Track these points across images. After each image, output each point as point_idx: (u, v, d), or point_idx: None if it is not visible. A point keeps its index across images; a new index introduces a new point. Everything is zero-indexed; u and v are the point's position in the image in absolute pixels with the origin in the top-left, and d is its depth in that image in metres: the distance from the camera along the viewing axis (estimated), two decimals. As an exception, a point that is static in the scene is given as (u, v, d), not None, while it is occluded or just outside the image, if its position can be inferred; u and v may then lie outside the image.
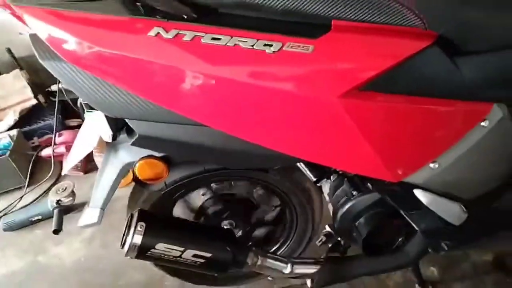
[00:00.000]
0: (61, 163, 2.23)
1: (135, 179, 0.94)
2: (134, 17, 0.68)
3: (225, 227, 1.17)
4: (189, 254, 0.92)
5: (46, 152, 2.20)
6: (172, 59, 0.67)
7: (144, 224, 0.90)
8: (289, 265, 1.03)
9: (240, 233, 1.19)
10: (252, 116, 0.72)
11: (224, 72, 0.67)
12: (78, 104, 0.91)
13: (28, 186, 2.21)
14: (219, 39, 0.66)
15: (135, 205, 1.06)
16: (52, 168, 2.16)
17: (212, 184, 1.15)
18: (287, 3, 0.67)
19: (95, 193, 0.93)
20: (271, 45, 0.65)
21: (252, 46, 0.65)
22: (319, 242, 1.16)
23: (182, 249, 0.91)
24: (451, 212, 0.87)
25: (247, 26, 0.67)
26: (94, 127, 0.88)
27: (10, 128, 2.33)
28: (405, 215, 0.91)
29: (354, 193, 0.97)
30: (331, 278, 1.06)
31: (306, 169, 0.95)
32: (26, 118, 2.44)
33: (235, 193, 1.18)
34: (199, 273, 1.16)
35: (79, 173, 2.18)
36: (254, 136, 0.75)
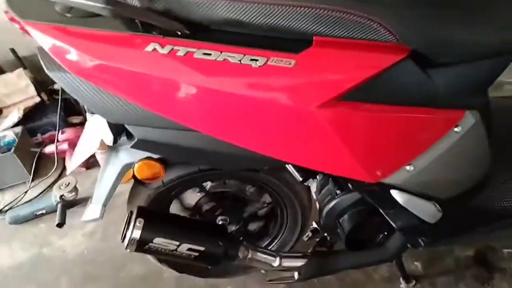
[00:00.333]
0: (63, 159, 2.29)
1: (134, 178, 1.01)
2: (132, 33, 0.73)
3: (219, 222, 1.23)
4: (184, 247, 0.98)
5: (50, 148, 2.24)
6: (167, 72, 0.72)
7: (142, 220, 0.96)
8: (277, 258, 1.10)
9: (233, 228, 1.25)
10: (239, 123, 0.78)
11: (214, 84, 0.73)
12: (80, 104, 0.97)
13: (32, 181, 2.26)
14: (209, 54, 0.71)
15: (134, 202, 1.12)
16: (55, 164, 2.24)
17: (207, 183, 1.22)
18: (272, 20, 0.72)
19: (98, 190, 0.99)
20: (256, 60, 0.71)
21: (240, 60, 0.71)
22: (306, 237, 1.23)
23: (177, 243, 0.98)
24: (426, 211, 0.94)
25: (235, 42, 0.72)
26: (96, 131, 0.94)
27: (15, 125, 2.39)
28: (383, 213, 0.98)
29: (338, 192, 1.03)
30: (316, 271, 1.13)
31: (293, 170, 1.00)
32: (30, 115, 2.49)
33: (229, 191, 1.24)
34: (196, 266, 1.23)
35: (81, 169, 2.22)
36: (241, 141, 0.81)
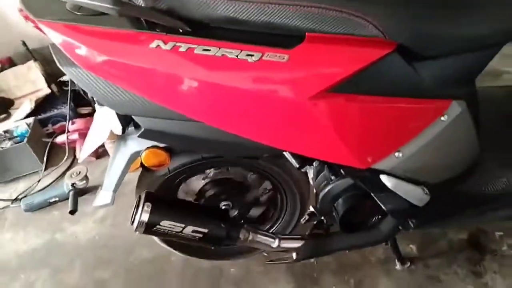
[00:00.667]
0: (74, 149, 2.37)
1: (142, 165, 1.07)
2: (138, 30, 0.79)
3: (223, 208, 1.30)
4: (189, 229, 1.05)
5: (61, 138, 2.32)
6: (170, 67, 0.78)
7: (150, 204, 1.03)
8: (276, 240, 1.16)
9: (236, 213, 1.31)
10: (238, 114, 0.84)
11: (213, 78, 0.78)
12: (90, 96, 1.02)
13: (45, 170, 2.35)
14: (209, 50, 0.77)
15: (142, 188, 1.18)
16: (66, 154, 2.32)
17: (210, 170, 1.28)
18: (267, 18, 0.77)
19: (108, 178, 1.05)
20: (252, 55, 0.77)
21: (237, 56, 0.77)
22: (304, 220, 1.29)
23: (183, 225, 1.04)
24: (414, 194, 0.99)
25: (233, 38, 0.78)
26: (106, 122, 1.01)
27: (27, 116, 2.47)
28: (375, 197, 1.04)
29: (333, 178, 1.09)
30: (313, 252, 1.20)
31: (290, 157, 1.06)
32: (41, 106, 2.58)
33: (231, 178, 1.30)
34: (201, 248, 1.30)
35: (92, 158, 2.30)
36: (240, 130, 0.87)
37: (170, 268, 1.62)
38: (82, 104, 2.56)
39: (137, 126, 0.96)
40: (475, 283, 1.35)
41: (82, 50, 0.80)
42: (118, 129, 0.96)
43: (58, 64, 0.87)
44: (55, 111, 2.55)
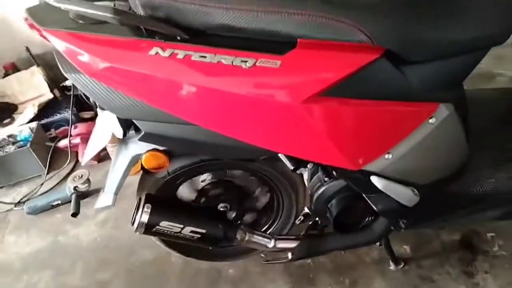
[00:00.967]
0: (76, 152, 2.41)
1: (142, 168, 1.11)
2: (138, 38, 0.82)
3: (221, 209, 1.33)
4: (187, 230, 1.09)
5: (63, 143, 2.36)
6: (169, 73, 0.82)
7: (150, 206, 1.06)
8: (272, 240, 1.20)
9: (234, 214, 1.35)
10: (233, 117, 0.87)
11: (209, 83, 0.82)
12: (92, 101, 1.04)
13: (47, 174, 2.39)
14: (205, 56, 0.80)
15: (143, 190, 1.21)
16: (69, 158, 2.37)
17: (209, 172, 1.32)
18: (260, 26, 0.81)
19: (109, 180, 1.09)
20: (246, 61, 0.80)
21: (232, 62, 0.80)
22: (298, 221, 1.33)
23: (181, 226, 1.08)
24: (404, 195, 1.03)
25: (228, 45, 0.81)
26: (107, 125, 1.05)
27: (30, 121, 2.50)
28: (366, 198, 1.07)
29: (326, 179, 1.12)
30: (308, 252, 1.23)
31: (285, 159, 1.10)
32: (44, 111, 2.61)
33: (229, 180, 1.34)
34: (200, 250, 1.33)
35: (94, 162, 2.33)
36: (236, 134, 0.90)
37: (170, 269, 1.65)
38: (84, 108, 2.60)
39: (137, 130, 1.00)
40: (466, 283, 1.38)
41: (85, 57, 0.83)
42: (119, 132, 1.00)
43: (62, 71, 0.90)
44: (57, 116, 2.59)
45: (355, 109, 0.89)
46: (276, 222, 1.46)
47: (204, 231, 1.10)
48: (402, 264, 1.46)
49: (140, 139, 0.97)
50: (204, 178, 1.33)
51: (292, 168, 1.09)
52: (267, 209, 1.46)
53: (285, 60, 0.81)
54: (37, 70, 2.66)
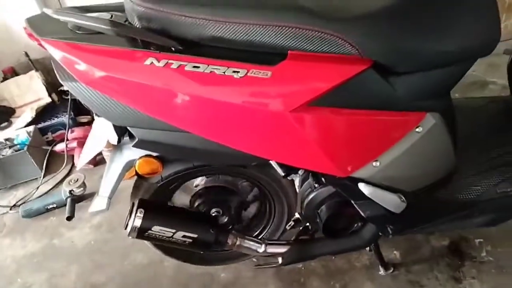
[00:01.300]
0: (73, 156, 2.42)
1: (136, 173, 1.13)
2: (133, 49, 0.85)
3: (213, 214, 1.35)
4: (179, 235, 1.11)
5: (60, 146, 2.38)
6: (163, 82, 0.85)
7: (143, 210, 1.08)
8: (263, 245, 1.22)
9: (226, 219, 1.37)
10: (225, 125, 0.90)
11: (202, 92, 0.85)
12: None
13: (43, 177, 2.40)
14: (198, 67, 0.83)
15: (137, 195, 1.24)
16: (65, 161, 2.39)
17: (202, 178, 1.35)
18: (252, 37, 0.84)
19: (103, 184, 1.11)
20: (238, 72, 0.83)
21: (224, 72, 0.83)
22: (289, 226, 1.36)
23: (173, 230, 1.10)
24: (391, 202, 1.05)
25: (220, 56, 0.85)
26: (103, 131, 1.08)
27: (27, 125, 2.52)
28: (354, 204, 1.10)
29: (316, 185, 1.15)
30: (298, 257, 1.26)
31: (276, 165, 1.12)
32: (41, 115, 2.63)
33: (222, 185, 1.36)
34: (193, 254, 1.35)
35: (89, 166, 2.35)
36: (228, 141, 0.93)
37: (164, 273, 1.67)
38: (81, 113, 2.62)
39: (131, 137, 1.03)
40: (454, 288, 1.41)
41: (82, 66, 0.86)
42: (114, 139, 1.03)
43: (59, 79, 0.93)
44: (55, 120, 2.61)
45: (344, 118, 0.92)
46: (268, 227, 1.48)
47: (195, 235, 1.12)
48: (392, 269, 1.48)
49: (134, 146, 1.00)
50: (198, 183, 1.36)
51: (283, 174, 1.12)
52: (259, 214, 1.49)
53: (275, 71, 0.84)
54: (35, 75, 2.68)
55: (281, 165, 1.12)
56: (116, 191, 1.12)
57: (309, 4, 0.84)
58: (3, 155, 2.34)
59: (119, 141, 1.04)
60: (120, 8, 0.98)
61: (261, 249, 1.22)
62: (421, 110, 0.98)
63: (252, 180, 1.30)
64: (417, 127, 0.98)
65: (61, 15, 0.86)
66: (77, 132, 2.35)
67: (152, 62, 0.84)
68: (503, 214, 1.24)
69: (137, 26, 0.87)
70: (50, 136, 2.62)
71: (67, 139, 2.29)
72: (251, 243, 1.22)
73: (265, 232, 1.49)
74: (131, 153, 1.08)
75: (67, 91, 2.35)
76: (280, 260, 1.26)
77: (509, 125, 1.36)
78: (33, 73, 2.68)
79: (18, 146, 2.37)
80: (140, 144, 1.00)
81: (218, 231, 1.16)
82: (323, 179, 1.10)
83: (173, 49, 0.85)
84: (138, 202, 1.11)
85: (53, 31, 0.91)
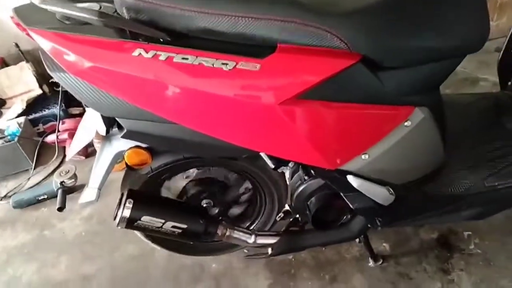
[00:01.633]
0: (64, 148, 2.42)
1: (126, 164, 1.13)
2: (122, 39, 0.85)
3: (204, 205, 1.36)
4: (168, 225, 1.11)
5: (51, 138, 2.37)
6: (151, 73, 0.84)
7: (132, 201, 1.08)
8: (253, 236, 1.23)
9: (216, 210, 1.38)
10: (214, 117, 0.90)
11: (191, 84, 0.85)
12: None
13: (34, 168, 2.40)
14: (187, 58, 0.83)
15: (127, 186, 1.23)
16: (56, 153, 2.38)
17: (193, 169, 1.35)
18: (241, 30, 0.83)
19: (93, 176, 1.10)
20: (227, 64, 0.83)
21: (213, 64, 0.83)
22: (279, 218, 1.36)
23: (163, 221, 1.10)
24: (379, 194, 1.06)
25: (209, 48, 0.84)
26: (92, 122, 1.07)
27: (18, 116, 2.51)
28: (343, 196, 1.11)
29: (306, 178, 1.16)
30: (287, 248, 1.27)
31: (266, 157, 1.12)
32: (32, 106, 2.62)
33: (213, 177, 1.36)
34: (184, 245, 1.36)
35: (81, 157, 2.35)
36: (217, 133, 0.93)
37: (154, 264, 1.67)
38: (73, 104, 2.61)
39: (120, 127, 1.03)
40: (442, 280, 1.42)
41: (70, 57, 0.86)
42: (102, 130, 1.03)
43: (47, 69, 0.92)
44: (46, 111, 2.60)
45: (333, 111, 0.92)
46: (258, 219, 1.49)
47: (185, 226, 1.12)
48: (381, 261, 1.50)
49: (122, 137, 0.99)
50: (188, 175, 1.36)
51: (273, 166, 1.12)
52: (249, 206, 1.49)
53: (264, 64, 0.84)
54: (26, 66, 2.66)
55: (271, 158, 1.12)
56: (105, 182, 1.12)
57: None
58: (-7, 146, 2.32)
59: (107, 131, 1.04)
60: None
61: (251, 240, 1.23)
62: (410, 104, 0.98)
63: (242, 172, 1.30)
64: (405, 121, 0.98)
65: (49, 5, 0.85)
66: (68, 123, 2.34)
67: (140, 53, 0.84)
68: (490, 208, 1.26)
69: (126, 17, 0.86)
70: (41, 127, 2.61)
71: (58, 131, 2.28)
72: (241, 234, 1.23)
73: (256, 223, 1.50)
74: (120, 144, 1.08)
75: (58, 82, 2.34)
76: (269, 251, 1.27)
77: (498, 121, 1.37)
78: (23, 64, 2.66)
79: (9, 137, 2.36)
80: (128, 135, 0.99)
81: (207, 222, 1.17)
82: (312, 171, 1.10)
83: (161, 40, 0.84)
84: (127, 193, 1.10)
85: (41, 21, 0.90)
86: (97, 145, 2.10)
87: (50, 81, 2.70)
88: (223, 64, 0.84)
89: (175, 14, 0.84)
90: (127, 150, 1.07)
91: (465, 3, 0.91)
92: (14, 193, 2.24)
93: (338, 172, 1.02)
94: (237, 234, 1.22)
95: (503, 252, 1.48)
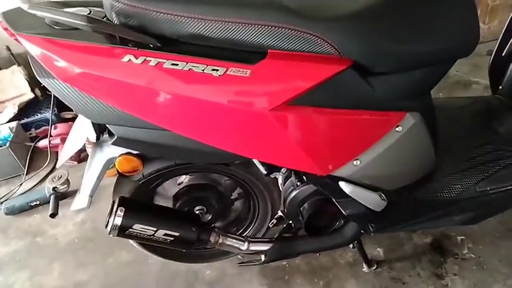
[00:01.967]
0: (56, 153, 2.39)
1: (117, 171, 1.12)
2: (111, 45, 0.84)
3: (197, 212, 1.35)
4: (160, 233, 1.10)
5: (43, 143, 2.34)
6: (140, 79, 0.83)
7: (123, 209, 1.07)
8: (245, 243, 1.22)
9: (209, 217, 1.37)
10: (204, 123, 0.89)
11: (181, 90, 0.84)
12: None
13: (26, 174, 2.37)
14: (177, 64, 0.82)
15: (118, 193, 1.22)
16: (48, 158, 2.36)
17: (186, 176, 1.34)
18: (231, 36, 0.83)
19: (84, 182, 1.10)
20: (217, 70, 0.82)
21: (203, 70, 0.82)
22: (272, 224, 1.36)
23: (155, 229, 1.09)
24: (371, 200, 1.06)
25: (200, 54, 0.84)
26: (82, 129, 1.06)
27: (10, 120, 2.48)
28: (335, 202, 1.10)
29: (299, 183, 1.15)
30: (280, 254, 1.26)
31: (258, 164, 1.12)
32: (24, 110, 2.59)
33: (205, 183, 1.35)
34: (178, 252, 1.35)
35: (73, 163, 2.33)
36: (207, 139, 0.92)
37: (148, 270, 1.66)
38: (65, 109, 2.58)
39: (111, 134, 1.02)
40: (436, 285, 1.42)
41: (59, 63, 0.85)
42: (92, 136, 1.02)
43: (36, 75, 0.92)
44: (38, 116, 2.57)
45: (324, 117, 0.92)
46: (252, 225, 1.48)
47: (177, 234, 1.12)
48: (375, 266, 1.49)
49: (113, 143, 0.99)
50: (181, 181, 1.35)
51: (265, 173, 1.12)
52: (243, 212, 1.48)
53: (255, 70, 0.84)
54: (18, 69, 2.63)
55: (263, 164, 1.12)
56: (97, 188, 1.11)
57: (289, 4, 0.83)
58: (-15, 152, 2.29)
59: (97, 138, 1.03)
60: (99, 4, 0.95)
61: (244, 247, 1.22)
62: (401, 109, 0.98)
63: (235, 178, 1.29)
64: (397, 127, 0.99)
65: (37, 10, 0.84)
66: (61, 128, 2.31)
67: (130, 59, 0.83)
68: (483, 212, 1.26)
69: (115, 22, 0.85)
70: (33, 132, 2.58)
71: (51, 135, 2.25)
72: (234, 241, 1.22)
73: (249, 229, 1.49)
74: (111, 150, 1.07)
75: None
76: (262, 257, 1.26)
77: (490, 125, 1.38)
78: (15, 67, 2.63)
79: (0, 142, 2.33)
80: (119, 142, 0.99)
81: (200, 229, 1.16)
82: (304, 177, 1.10)
83: (151, 46, 0.84)
84: (118, 200, 1.09)
85: (30, 26, 0.89)
86: (89, 151, 2.09)
87: (42, 85, 2.66)
88: (213, 70, 0.83)
89: (165, 19, 0.83)
90: (118, 157, 1.06)
91: (455, 7, 0.90)
92: (6, 199, 2.21)
93: (330, 178, 1.02)
94: (230, 241, 1.21)
95: (496, 256, 1.48)
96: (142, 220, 1.09)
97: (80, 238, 1.90)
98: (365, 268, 1.49)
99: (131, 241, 1.34)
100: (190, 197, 1.34)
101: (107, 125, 0.98)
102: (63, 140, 2.25)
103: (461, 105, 1.53)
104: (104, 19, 0.88)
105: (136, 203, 1.16)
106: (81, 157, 2.36)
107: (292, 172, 1.18)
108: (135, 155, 1.07)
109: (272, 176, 1.21)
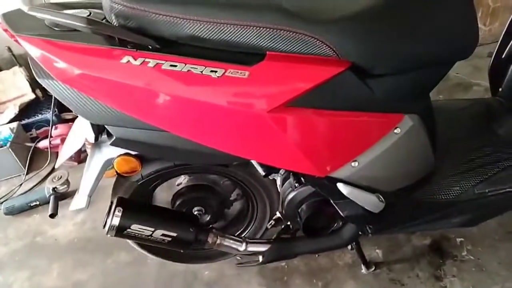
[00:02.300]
0: (57, 153, 2.39)
1: (116, 172, 1.13)
2: (110, 47, 0.84)
3: (195, 212, 1.35)
4: (158, 233, 1.10)
5: (43, 143, 2.35)
6: (139, 81, 0.84)
7: (121, 209, 1.07)
8: (243, 244, 1.22)
9: (208, 218, 1.37)
10: (202, 124, 0.90)
11: (179, 91, 0.84)
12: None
13: (26, 174, 2.37)
14: (175, 65, 0.83)
15: (117, 193, 1.22)
16: (48, 158, 2.36)
17: (185, 176, 1.34)
18: (230, 37, 0.83)
19: (83, 183, 1.10)
20: (216, 71, 0.83)
21: (201, 72, 0.83)
22: (270, 225, 1.36)
23: (152, 229, 1.09)
24: (369, 202, 1.06)
25: (198, 55, 0.84)
26: (81, 130, 1.07)
27: (10, 121, 2.49)
28: (333, 204, 1.11)
29: (297, 185, 1.15)
30: (278, 255, 1.26)
31: (257, 165, 1.12)
32: (25, 111, 2.60)
33: (204, 184, 1.36)
34: (176, 253, 1.35)
35: (73, 163, 2.33)
36: (205, 140, 0.93)
37: (146, 271, 1.66)
38: (66, 109, 2.58)
39: (109, 135, 1.02)
40: (435, 286, 1.42)
41: (58, 64, 0.85)
42: (91, 137, 1.02)
43: (35, 76, 0.92)
44: (39, 116, 2.58)
45: (322, 119, 0.92)
46: (250, 226, 1.48)
47: (175, 234, 1.12)
48: (374, 268, 1.49)
49: (111, 144, 0.99)
50: (180, 182, 1.35)
51: (263, 174, 1.12)
52: (241, 213, 1.49)
53: (253, 71, 0.84)
54: (19, 70, 2.64)
55: (262, 165, 1.12)
56: (96, 189, 1.11)
57: (288, 5, 0.83)
58: (-15, 152, 2.29)
59: (96, 139, 1.04)
60: (99, 6, 0.96)
61: (242, 247, 1.22)
62: (399, 111, 0.98)
63: (234, 179, 1.29)
64: (395, 129, 0.98)
65: (36, 12, 0.85)
66: (61, 128, 2.32)
67: (128, 61, 0.83)
68: (481, 215, 1.26)
69: (115, 24, 0.86)
70: (34, 132, 2.59)
71: (51, 136, 2.26)
72: (232, 241, 1.22)
73: (247, 230, 1.49)
74: (110, 151, 1.07)
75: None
76: (260, 258, 1.26)
77: (489, 127, 1.38)
78: (16, 68, 2.64)
79: (1, 142, 2.34)
80: (117, 143, 0.99)
81: (198, 230, 1.16)
82: (302, 178, 1.10)
83: (150, 47, 0.84)
84: (116, 201, 1.10)
85: (30, 27, 0.90)
86: (89, 151, 2.09)
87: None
88: (212, 71, 0.83)
89: (164, 21, 0.83)
90: (117, 157, 1.06)
91: (454, 9, 0.90)
92: (6, 200, 2.21)
93: (328, 180, 1.02)
94: (228, 242, 1.21)
95: (495, 258, 1.48)
96: (140, 220, 1.09)
97: (80, 238, 1.90)
98: (363, 270, 1.49)
99: (128, 241, 1.34)
100: (189, 198, 1.34)
101: (105, 126, 0.98)
102: (64, 141, 2.25)
103: (461, 107, 1.53)
104: (104, 21, 0.88)
105: (134, 203, 1.16)
106: (81, 157, 2.36)
107: (291, 174, 1.19)
108: (134, 156, 1.07)
109: (270, 177, 1.22)
